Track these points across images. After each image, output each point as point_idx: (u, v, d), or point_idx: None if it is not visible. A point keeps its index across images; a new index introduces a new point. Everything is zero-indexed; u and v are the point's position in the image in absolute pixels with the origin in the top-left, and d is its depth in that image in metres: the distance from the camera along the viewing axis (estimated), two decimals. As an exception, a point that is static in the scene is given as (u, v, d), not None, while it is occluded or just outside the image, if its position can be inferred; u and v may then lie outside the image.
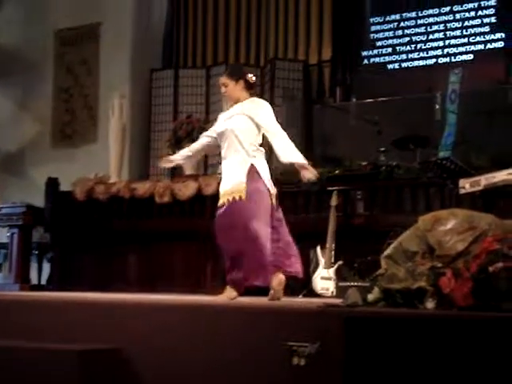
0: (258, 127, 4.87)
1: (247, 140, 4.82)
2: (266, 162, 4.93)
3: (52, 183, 8.28)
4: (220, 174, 6.52)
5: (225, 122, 4.95)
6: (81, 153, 9.41)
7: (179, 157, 5.29)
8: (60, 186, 8.33)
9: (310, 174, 4.80)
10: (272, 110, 4.97)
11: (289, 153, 4.78)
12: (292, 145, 4.83)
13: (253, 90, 5.05)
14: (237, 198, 4.75)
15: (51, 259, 8.54)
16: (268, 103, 5.06)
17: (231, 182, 4.83)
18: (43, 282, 8.55)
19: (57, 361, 3.57)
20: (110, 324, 3.81)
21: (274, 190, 4.93)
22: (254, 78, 5.01)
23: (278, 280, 4.70)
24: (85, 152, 9.38)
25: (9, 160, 10.01)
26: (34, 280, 8.40)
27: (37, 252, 8.63)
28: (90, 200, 8.09)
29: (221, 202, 4.86)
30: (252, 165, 4.81)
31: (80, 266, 8.06)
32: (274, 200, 4.91)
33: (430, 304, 3.25)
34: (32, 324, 4.03)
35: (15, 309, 4.25)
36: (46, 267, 8.64)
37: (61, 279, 8.13)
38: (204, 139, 5.17)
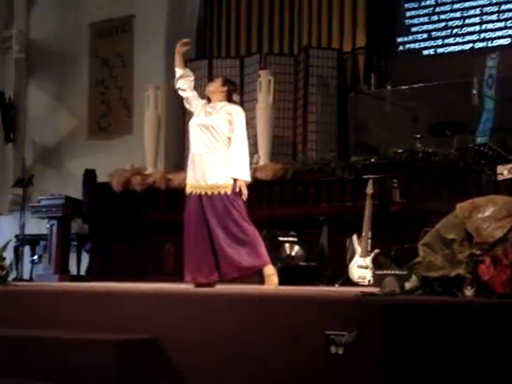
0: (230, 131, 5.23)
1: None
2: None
3: (89, 175, 8.38)
4: (256, 163, 6.56)
5: (206, 114, 5.30)
6: (116, 144, 9.48)
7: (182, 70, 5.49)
8: (97, 178, 8.43)
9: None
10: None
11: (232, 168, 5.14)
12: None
13: (230, 101, 5.36)
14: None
15: (90, 250, 8.64)
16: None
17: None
18: (82, 272, 8.66)
19: (96, 351, 3.62)
20: (147, 314, 3.84)
21: None
22: (237, 99, 5.48)
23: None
24: (120, 143, 9.45)
25: (46, 153, 10.14)
26: (73, 270, 8.52)
27: (75, 243, 8.74)
28: (126, 191, 8.17)
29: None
30: None
31: (118, 256, 8.15)
32: None
33: (468, 292, 3.22)
34: (71, 314, 4.09)
35: (55, 299, 4.31)
36: (85, 258, 8.74)
37: (99, 269, 8.24)
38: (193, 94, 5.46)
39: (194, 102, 5.40)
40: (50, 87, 10.19)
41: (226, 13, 9.86)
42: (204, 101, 5.44)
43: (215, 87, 5.37)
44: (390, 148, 6.99)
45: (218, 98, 5.33)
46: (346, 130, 8.47)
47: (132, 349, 3.63)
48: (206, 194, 5.13)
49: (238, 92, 5.61)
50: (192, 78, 5.48)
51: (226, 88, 5.35)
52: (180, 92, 5.46)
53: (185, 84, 5.42)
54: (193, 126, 5.31)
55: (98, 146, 9.56)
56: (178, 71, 5.46)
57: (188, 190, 5.24)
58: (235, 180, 5.13)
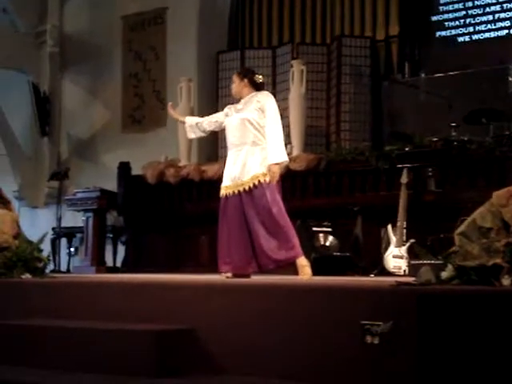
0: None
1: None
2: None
3: (124, 167, 8.45)
4: (289, 154, 6.54)
5: (237, 111, 5.31)
6: (150, 137, 9.54)
7: (187, 120, 5.62)
8: (131, 170, 8.49)
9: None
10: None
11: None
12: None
13: (260, 89, 5.36)
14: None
15: (125, 242, 8.72)
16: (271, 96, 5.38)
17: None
18: (118, 264, 8.74)
19: (132, 341, 3.66)
20: (183, 304, 3.87)
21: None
22: (260, 79, 5.39)
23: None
24: (154, 136, 9.50)
25: (81, 146, 10.25)
26: (109, 262, 8.60)
27: (111, 235, 8.82)
28: (160, 183, 8.23)
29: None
30: None
31: (153, 247, 8.21)
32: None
33: (506, 281, 3.18)
34: (108, 305, 4.13)
35: (92, 291, 4.36)
36: (121, 250, 8.83)
37: (135, 261, 8.31)
38: (214, 117, 5.54)
39: (221, 115, 5.47)
40: (84, 81, 10.29)
41: (258, 3, 9.83)
42: (232, 104, 5.46)
43: (237, 86, 5.37)
44: (425, 137, 6.92)
45: (245, 93, 5.33)
46: (379, 119, 8.41)
47: (168, 339, 3.66)
48: (244, 189, 5.12)
49: (256, 73, 5.50)
50: (199, 119, 5.59)
51: (246, 80, 5.33)
52: (211, 130, 5.52)
53: (204, 124, 5.51)
54: (228, 125, 5.32)
55: (132, 138, 9.63)
56: (188, 122, 5.58)
57: (225, 191, 5.22)
58: (273, 166, 5.12)
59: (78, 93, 10.35)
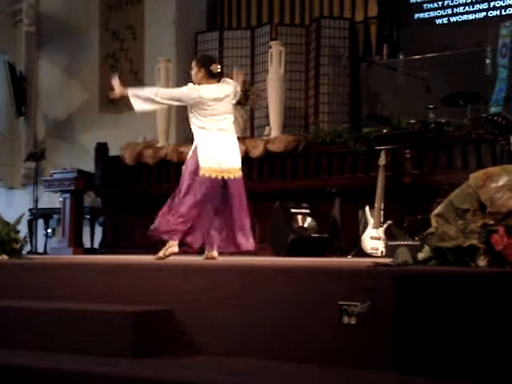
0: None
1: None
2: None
3: (101, 148, 8.39)
4: (268, 135, 6.58)
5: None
6: (128, 118, 9.41)
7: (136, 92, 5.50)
8: (109, 151, 8.44)
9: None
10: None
11: None
12: None
13: (215, 78, 5.13)
14: None
15: (103, 223, 8.68)
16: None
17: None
18: (96, 245, 8.71)
19: (110, 322, 3.65)
20: (161, 285, 3.86)
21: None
22: (218, 68, 5.11)
23: None
24: (132, 117, 9.34)
25: (58, 126, 10.15)
26: (86, 244, 8.57)
27: (89, 216, 8.78)
28: (138, 164, 8.18)
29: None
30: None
31: (131, 228, 8.18)
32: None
33: (481, 262, 3.21)
34: (85, 287, 4.12)
35: (69, 272, 4.34)
36: (98, 231, 8.79)
37: (112, 242, 8.28)
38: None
39: None
40: (60, 60, 10.17)
41: (237, -17, 9.78)
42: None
43: (195, 77, 5.12)
44: (403, 118, 6.95)
45: (201, 82, 5.09)
46: (358, 101, 8.42)
47: (146, 320, 3.66)
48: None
49: (215, 62, 5.19)
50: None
51: (203, 70, 5.08)
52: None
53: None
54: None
55: (109, 119, 9.55)
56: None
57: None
58: None
59: (54, 72, 10.24)
